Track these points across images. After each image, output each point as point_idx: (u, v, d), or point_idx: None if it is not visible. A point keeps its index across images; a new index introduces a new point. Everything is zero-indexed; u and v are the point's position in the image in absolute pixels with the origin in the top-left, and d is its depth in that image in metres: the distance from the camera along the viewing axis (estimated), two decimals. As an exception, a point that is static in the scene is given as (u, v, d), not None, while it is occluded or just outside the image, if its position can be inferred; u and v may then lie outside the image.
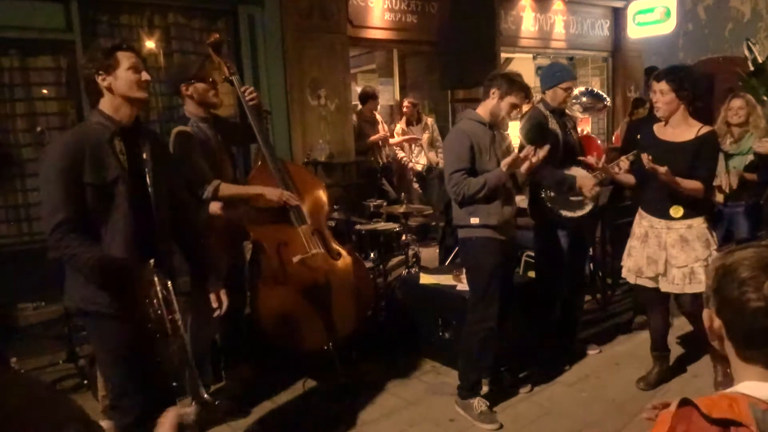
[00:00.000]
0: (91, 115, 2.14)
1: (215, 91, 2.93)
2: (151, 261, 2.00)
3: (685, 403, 0.98)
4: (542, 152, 2.87)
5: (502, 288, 2.91)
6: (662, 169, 2.79)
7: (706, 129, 2.98)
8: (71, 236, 1.95)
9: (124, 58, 2.09)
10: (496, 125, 2.99)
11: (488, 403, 2.96)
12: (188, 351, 2.05)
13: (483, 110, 2.95)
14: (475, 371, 2.99)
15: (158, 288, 1.98)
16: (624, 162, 3.36)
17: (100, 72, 2.07)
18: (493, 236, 2.87)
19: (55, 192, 1.97)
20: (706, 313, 1.06)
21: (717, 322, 1.03)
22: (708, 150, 2.96)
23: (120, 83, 2.08)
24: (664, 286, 3.02)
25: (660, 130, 3.06)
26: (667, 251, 2.97)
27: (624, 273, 3.23)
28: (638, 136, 3.48)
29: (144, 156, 2.15)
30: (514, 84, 2.88)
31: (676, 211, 2.95)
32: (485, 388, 3.05)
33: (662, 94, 2.92)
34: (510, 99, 2.88)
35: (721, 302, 1.01)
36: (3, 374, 0.80)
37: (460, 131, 2.93)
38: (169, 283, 2.03)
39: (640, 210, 3.15)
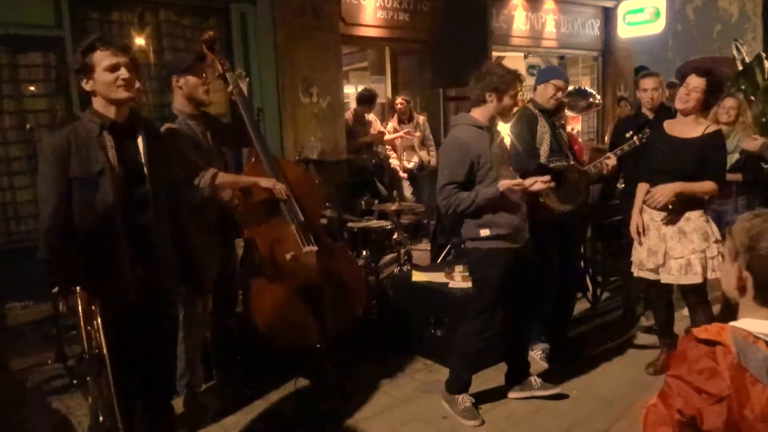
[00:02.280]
0: (85, 114, 2.16)
1: (206, 88, 2.90)
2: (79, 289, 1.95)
3: (687, 332, 1.26)
4: (541, 183, 2.78)
5: (516, 294, 2.86)
6: (667, 194, 2.98)
7: (713, 127, 3.08)
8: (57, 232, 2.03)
9: (100, 59, 2.05)
10: (492, 126, 2.91)
11: (473, 400, 2.96)
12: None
13: (480, 114, 2.83)
14: (468, 372, 2.99)
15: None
16: (611, 159, 3.42)
17: (81, 76, 2.08)
18: (505, 246, 2.80)
19: (45, 187, 2.06)
20: (733, 267, 1.25)
21: (745, 274, 1.22)
22: (718, 149, 3.05)
23: (99, 86, 2.07)
24: (664, 278, 3.09)
25: (670, 126, 3.14)
26: (666, 243, 3.05)
27: (632, 267, 3.27)
28: (628, 134, 3.52)
29: (141, 152, 2.15)
30: (505, 78, 2.80)
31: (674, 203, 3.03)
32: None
33: (695, 91, 2.97)
34: (509, 95, 2.80)
35: (754, 258, 1.20)
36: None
37: (458, 142, 2.79)
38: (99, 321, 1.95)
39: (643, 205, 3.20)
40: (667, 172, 3.05)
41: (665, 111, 3.83)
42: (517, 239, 2.85)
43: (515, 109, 3.30)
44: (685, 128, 3.07)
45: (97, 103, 2.12)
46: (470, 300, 3.05)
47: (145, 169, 2.16)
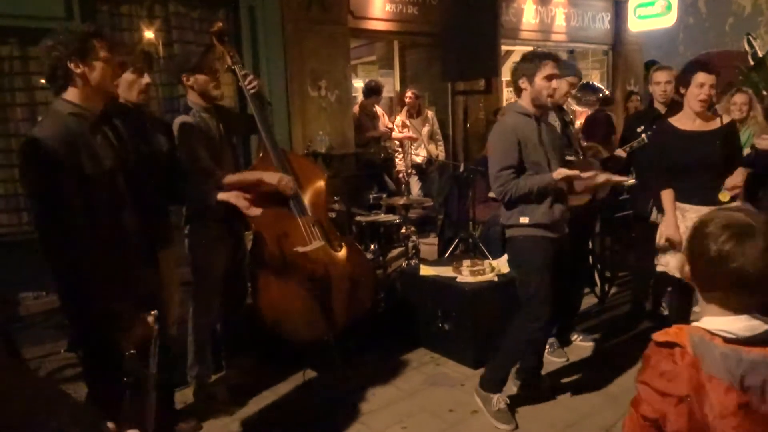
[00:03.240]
0: (57, 105, 1.99)
1: (216, 83, 2.91)
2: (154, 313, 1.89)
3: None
4: (602, 177, 2.83)
5: (553, 286, 2.81)
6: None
7: (727, 118, 3.24)
8: (73, 242, 1.90)
9: (101, 48, 1.99)
10: (543, 116, 2.87)
11: (508, 402, 2.91)
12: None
13: (524, 102, 2.82)
14: (508, 369, 2.94)
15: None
16: (620, 152, 3.51)
17: (73, 58, 1.94)
18: (544, 234, 2.77)
19: (45, 193, 1.91)
20: (681, 260, 1.29)
21: (687, 267, 1.24)
22: (737, 138, 3.28)
23: (97, 74, 1.98)
24: None
25: (681, 123, 3.12)
26: None
27: (672, 270, 3.08)
28: (639, 129, 3.52)
29: (121, 144, 2.11)
30: (533, 59, 2.75)
31: (724, 196, 3.05)
32: (514, 389, 3.03)
33: (712, 88, 3.03)
34: (540, 75, 2.71)
35: (690, 251, 1.23)
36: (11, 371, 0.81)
37: (505, 126, 2.78)
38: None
39: (679, 206, 3.08)
40: (698, 166, 3.03)
41: (677, 106, 3.82)
42: (556, 230, 2.81)
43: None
44: (702, 122, 3.08)
45: (75, 93, 1.99)
46: (517, 293, 2.93)
47: (139, 166, 2.14)
